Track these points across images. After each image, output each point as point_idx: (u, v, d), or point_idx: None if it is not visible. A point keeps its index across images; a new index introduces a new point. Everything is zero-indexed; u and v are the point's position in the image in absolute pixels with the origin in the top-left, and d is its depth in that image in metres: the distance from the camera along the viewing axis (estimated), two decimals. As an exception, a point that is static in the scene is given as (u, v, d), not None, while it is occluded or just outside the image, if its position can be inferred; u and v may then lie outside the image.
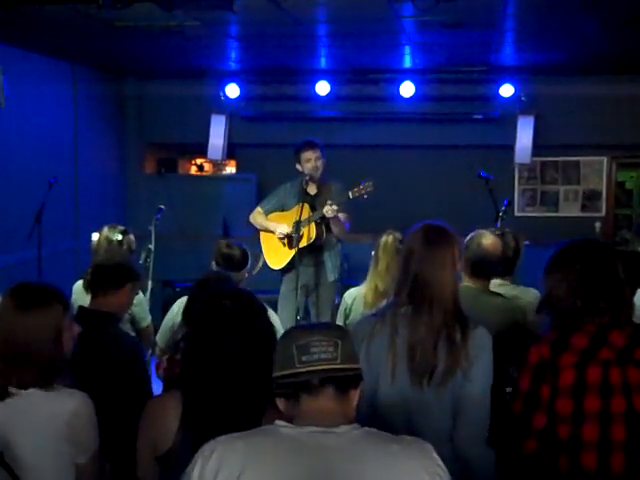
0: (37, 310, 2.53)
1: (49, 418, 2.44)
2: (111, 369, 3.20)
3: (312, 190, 5.87)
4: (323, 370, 1.80)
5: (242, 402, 2.24)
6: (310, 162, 5.76)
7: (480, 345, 2.52)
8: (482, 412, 2.52)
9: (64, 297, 2.66)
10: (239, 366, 2.25)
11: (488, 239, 3.70)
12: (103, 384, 3.00)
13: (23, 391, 2.45)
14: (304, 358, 1.80)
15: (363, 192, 5.57)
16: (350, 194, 5.59)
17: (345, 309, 4.63)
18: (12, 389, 2.45)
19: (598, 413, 2.43)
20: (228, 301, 2.34)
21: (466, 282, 3.63)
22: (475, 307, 3.42)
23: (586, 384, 2.44)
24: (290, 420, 1.84)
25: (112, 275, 3.48)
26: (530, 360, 2.53)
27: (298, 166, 5.83)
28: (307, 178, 5.76)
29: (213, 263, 4.23)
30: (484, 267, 3.64)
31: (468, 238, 3.72)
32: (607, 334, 2.48)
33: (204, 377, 2.26)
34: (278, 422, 1.83)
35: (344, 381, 1.83)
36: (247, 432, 1.86)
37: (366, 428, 1.84)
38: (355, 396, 1.88)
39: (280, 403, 1.88)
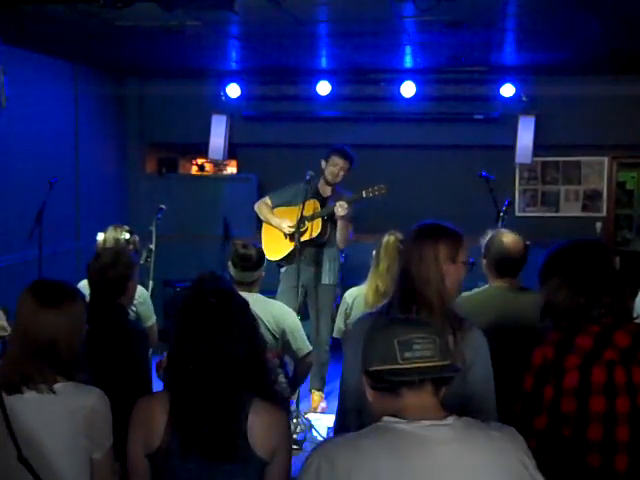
0: (66, 306, 2.57)
1: (69, 413, 2.47)
2: (125, 362, 3.22)
3: (325, 192, 5.91)
4: (426, 367, 1.86)
5: (229, 398, 2.25)
6: (336, 167, 5.83)
7: (476, 347, 2.52)
8: (487, 410, 2.51)
9: (82, 293, 2.71)
10: (225, 362, 2.26)
11: (508, 237, 3.67)
12: (116, 378, 3.02)
13: (44, 386, 2.48)
14: (407, 354, 1.86)
15: (377, 193, 5.63)
16: (364, 193, 5.65)
17: (346, 309, 4.63)
18: (33, 384, 2.48)
19: (603, 413, 2.43)
20: (213, 298, 2.34)
21: (495, 283, 3.63)
22: (509, 306, 3.43)
23: (590, 385, 2.44)
24: (394, 414, 1.88)
25: (115, 286, 3.48)
26: (534, 361, 2.53)
27: (323, 163, 5.86)
28: (327, 179, 5.81)
29: (229, 264, 4.22)
30: (509, 265, 3.62)
31: (488, 239, 3.71)
32: (611, 334, 2.48)
33: (191, 375, 2.27)
34: (387, 418, 1.88)
35: (442, 378, 1.90)
36: (361, 432, 1.91)
37: (464, 417, 1.91)
38: (444, 389, 1.94)
39: (371, 394, 1.95)
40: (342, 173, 5.85)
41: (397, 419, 1.87)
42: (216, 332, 2.28)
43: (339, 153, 5.85)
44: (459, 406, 2.51)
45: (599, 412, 2.43)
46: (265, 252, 5.87)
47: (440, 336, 1.92)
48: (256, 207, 6.10)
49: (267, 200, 6.09)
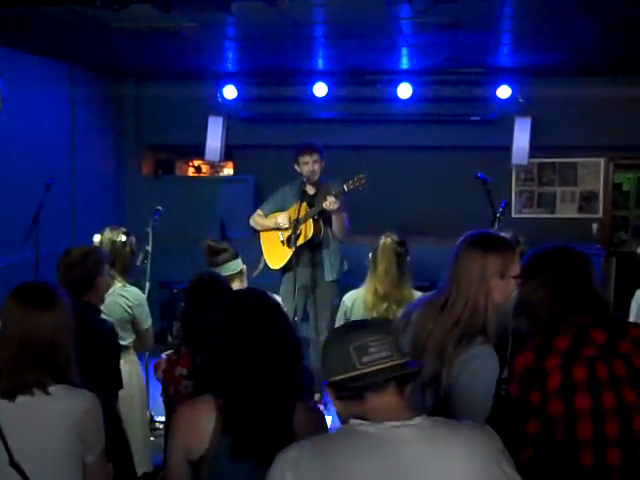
0: (60, 305, 2.56)
1: (61, 417, 2.46)
2: (96, 360, 3.18)
3: (310, 190, 5.90)
4: (386, 368, 1.84)
5: (278, 401, 2.25)
6: (307, 165, 5.78)
7: (467, 363, 2.44)
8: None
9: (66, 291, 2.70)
10: (272, 366, 2.26)
11: None
12: (88, 376, 3.01)
13: (36, 391, 2.46)
14: (365, 359, 1.84)
15: (357, 184, 5.58)
16: (345, 187, 5.61)
17: (345, 311, 4.63)
18: (28, 390, 2.46)
19: (590, 410, 2.44)
20: (254, 302, 2.35)
21: None
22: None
23: (574, 384, 2.45)
24: (360, 418, 1.86)
25: (82, 283, 3.48)
26: (516, 368, 2.54)
27: (296, 167, 5.85)
28: (305, 180, 5.79)
29: (212, 269, 4.23)
30: None
31: None
32: (588, 332, 2.50)
33: (243, 380, 2.25)
34: (353, 421, 1.85)
35: (404, 376, 1.88)
36: (327, 435, 1.92)
37: (433, 417, 1.88)
38: (409, 388, 1.92)
39: (338, 404, 1.92)
40: (317, 167, 5.80)
41: (362, 421, 1.84)
42: (262, 334, 2.28)
43: (303, 150, 5.81)
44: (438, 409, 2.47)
45: (586, 409, 2.44)
46: (267, 262, 5.93)
47: (396, 335, 1.91)
48: (251, 222, 6.10)
49: (259, 212, 6.11)
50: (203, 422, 2.24)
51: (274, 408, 2.24)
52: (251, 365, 2.25)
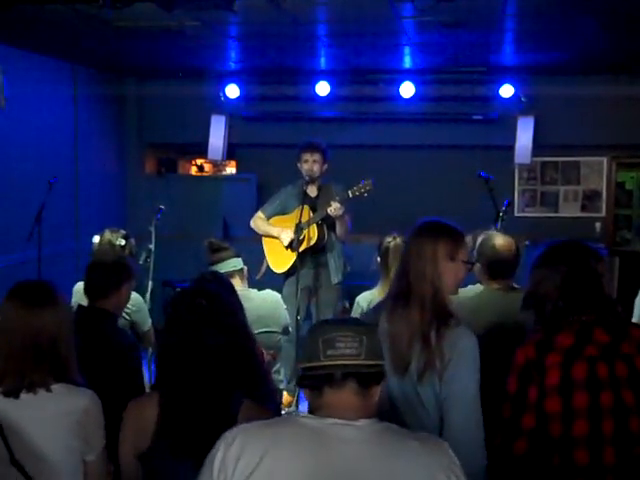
0: (60, 303, 2.57)
1: (62, 416, 2.47)
2: (113, 367, 3.19)
3: (312, 192, 5.85)
4: (346, 365, 1.83)
5: (218, 399, 2.25)
6: (307, 163, 5.74)
7: (453, 345, 2.46)
8: (465, 417, 2.42)
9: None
10: (214, 365, 2.27)
11: (500, 239, 3.69)
12: (104, 382, 3.01)
13: (38, 389, 2.47)
14: (329, 352, 1.84)
15: (363, 191, 5.53)
16: (350, 193, 5.55)
17: (361, 313, 4.59)
18: (31, 388, 2.47)
19: (587, 409, 2.44)
20: (203, 300, 2.35)
21: (489, 286, 3.64)
22: (505, 307, 3.42)
23: (572, 381, 2.46)
24: (313, 411, 1.87)
25: (110, 277, 3.47)
26: (516, 362, 2.55)
27: (298, 165, 5.83)
28: (306, 180, 5.75)
29: (214, 267, 4.23)
30: (502, 267, 3.63)
31: (479, 241, 3.72)
32: (591, 331, 2.51)
33: (180, 378, 2.27)
34: (300, 413, 1.87)
35: (366, 377, 1.86)
36: (269, 420, 1.90)
37: (386, 423, 1.87)
38: (377, 392, 1.90)
39: (305, 393, 1.92)
40: (316, 167, 5.73)
41: (305, 414, 1.85)
42: (206, 335, 2.29)
43: (304, 148, 5.75)
44: (438, 405, 2.48)
45: (583, 408, 2.44)
46: (270, 265, 5.89)
47: (369, 335, 1.88)
48: (252, 224, 6.02)
49: (260, 214, 6.00)
50: (146, 419, 2.26)
51: (215, 407, 2.24)
52: (192, 365, 2.26)
